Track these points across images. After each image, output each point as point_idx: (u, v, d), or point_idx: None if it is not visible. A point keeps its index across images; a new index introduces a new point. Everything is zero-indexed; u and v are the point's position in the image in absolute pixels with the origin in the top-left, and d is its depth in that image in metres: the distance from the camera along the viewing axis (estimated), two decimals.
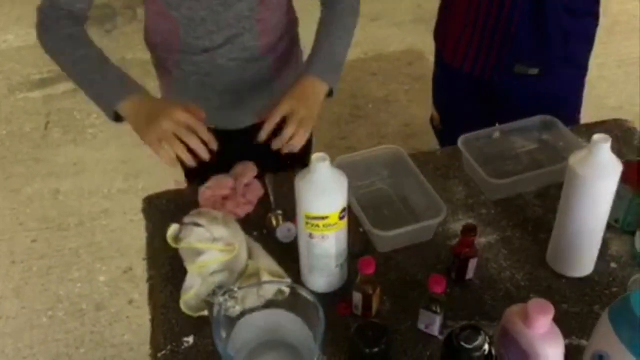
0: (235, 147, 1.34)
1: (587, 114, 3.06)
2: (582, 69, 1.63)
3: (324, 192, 1.03)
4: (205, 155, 1.14)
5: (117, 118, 1.22)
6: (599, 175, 1.04)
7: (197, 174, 1.31)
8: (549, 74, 1.56)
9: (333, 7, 1.39)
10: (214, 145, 1.16)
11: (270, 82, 1.49)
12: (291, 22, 1.50)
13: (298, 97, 1.24)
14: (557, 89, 1.59)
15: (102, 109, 1.22)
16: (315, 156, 1.02)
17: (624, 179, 1.12)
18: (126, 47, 3.53)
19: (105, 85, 1.22)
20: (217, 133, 1.51)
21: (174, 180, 1.22)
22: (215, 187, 1.30)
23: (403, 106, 3.21)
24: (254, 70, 1.44)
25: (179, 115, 1.13)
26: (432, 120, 1.88)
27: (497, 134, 1.44)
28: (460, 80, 1.66)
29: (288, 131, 1.19)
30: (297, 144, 1.20)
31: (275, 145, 1.19)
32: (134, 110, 1.19)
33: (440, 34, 1.70)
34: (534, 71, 1.55)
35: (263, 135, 1.20)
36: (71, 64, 1.25)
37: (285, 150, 1.20)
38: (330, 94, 1.30)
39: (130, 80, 1.24)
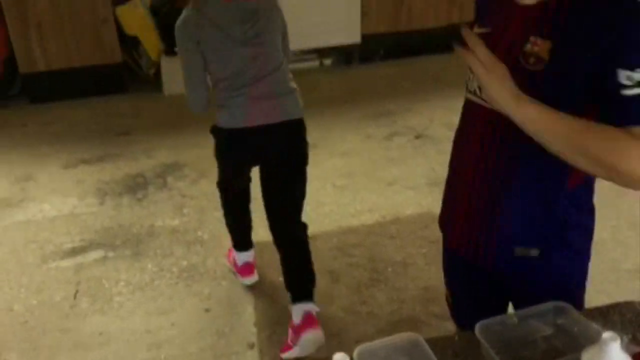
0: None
1: (603, 277, 3.10)
2: (583, 254, 1.65)
3: None
4: None
5: None
6: None
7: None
8: (549, 257, 1.58)
9: None
10: None
11: None
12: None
13: None
14: (559, 272, 1.61)
15: None
16: (336, 356, 1.08)
17: None
18: (155, 215, 3.63)
19: None
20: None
21: None
22: None
23: (421, 269, 3.27)
24: None
25: None
26: (446, 297, 1.93)
27: (514, 320, 1.48)
28: (465, 267, 1.71)
29: None
30: None
31: None
32: None
33: (444, 222, 1.76)
34: (535, 252, 1.58)
35: None
36: None
37: None
38: None
39: None
